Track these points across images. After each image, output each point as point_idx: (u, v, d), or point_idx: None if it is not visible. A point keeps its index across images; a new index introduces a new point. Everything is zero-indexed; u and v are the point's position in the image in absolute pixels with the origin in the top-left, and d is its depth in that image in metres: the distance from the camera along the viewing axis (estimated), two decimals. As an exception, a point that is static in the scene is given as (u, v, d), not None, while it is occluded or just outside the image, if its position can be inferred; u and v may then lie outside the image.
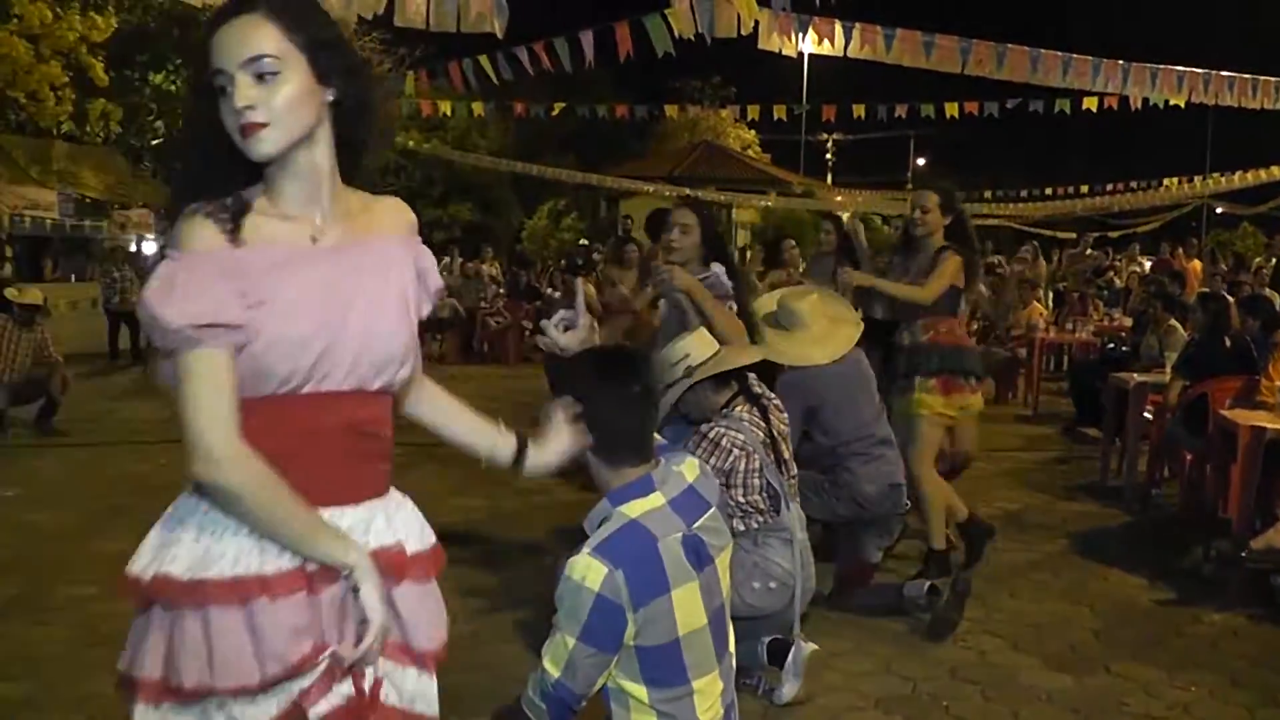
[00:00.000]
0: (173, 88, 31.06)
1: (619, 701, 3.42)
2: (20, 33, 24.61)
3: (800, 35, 13.83)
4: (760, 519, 5.87)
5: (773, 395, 6.24)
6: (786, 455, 6.12)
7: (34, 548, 8.31)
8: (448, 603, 2.90)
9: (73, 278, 26.70)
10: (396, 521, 2.77)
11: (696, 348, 5.79)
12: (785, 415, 6.22)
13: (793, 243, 13.86)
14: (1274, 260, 22.67)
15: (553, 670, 3.30)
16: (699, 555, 3.38)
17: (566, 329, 3.91)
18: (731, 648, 3.61)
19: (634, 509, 3.37)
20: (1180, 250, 26.03)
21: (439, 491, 9.96)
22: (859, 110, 23.08)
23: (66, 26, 25.36)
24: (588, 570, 3.24)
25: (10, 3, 24.43)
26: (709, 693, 3.42)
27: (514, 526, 9.16)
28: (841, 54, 14.10)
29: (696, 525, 3.42)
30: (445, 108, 24.53)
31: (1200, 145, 51.50)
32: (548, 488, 10.21)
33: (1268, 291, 15.53)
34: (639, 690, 3.36)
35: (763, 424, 5.99)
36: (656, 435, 3.75)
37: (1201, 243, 33.96)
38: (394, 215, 2.86)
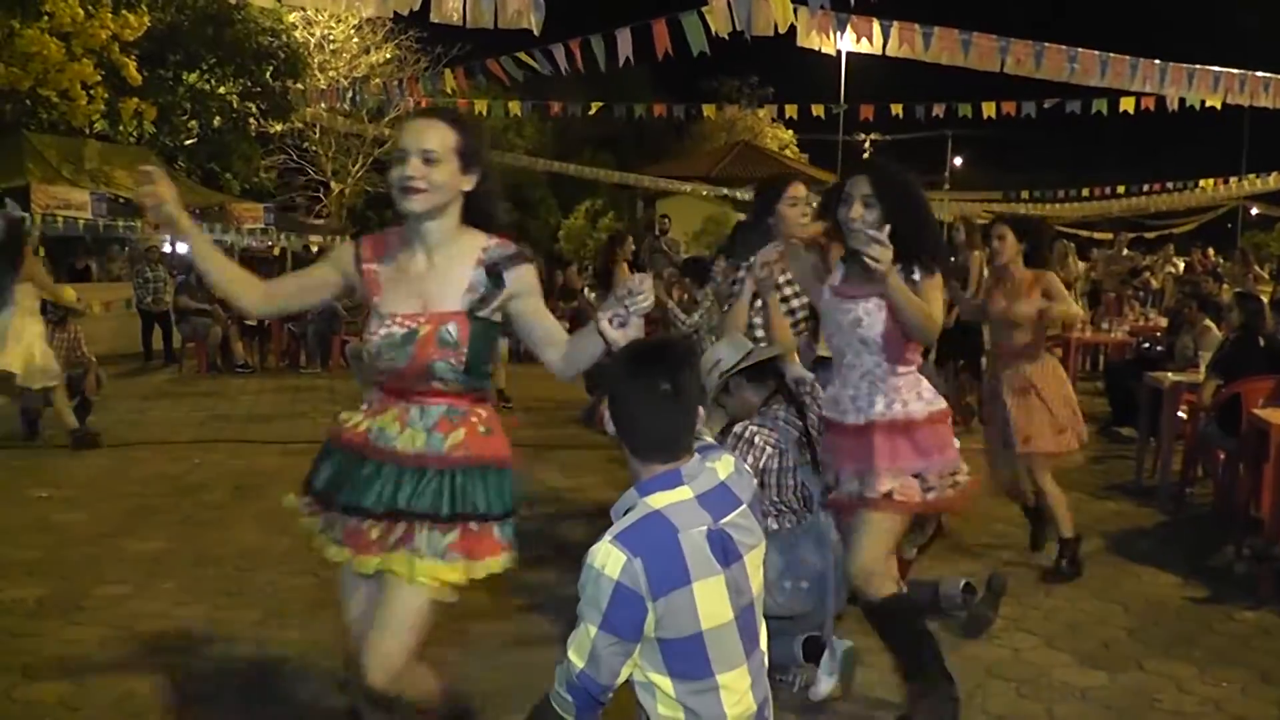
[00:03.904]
0: (206, 87, 31.11)
1: (647, 692, 3.42)
2: (51, 31, 24.56)
3: (839, 33, 13.86)
4: (793, 518, 5.88)
5: (820, 394, 6.23)
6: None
7: (67, 548, 8.31)
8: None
9: (103, 277, 26.75)
10: None
11: (728, 352, 5.81)
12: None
13: None
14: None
15: (577, 661, 3.32)
16: (725, 550, 3.37)
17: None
18: (763, 644, 3.59)
19: (659, 500, 3.37)
20: (1212, 250, 26.00)
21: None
22: (897, 109, 23.14)
23: (98, 25, 25.28)
24: (607, 558, 3.25)
25: (41, 0, 24.46)
26: (736, 687, 3.41)
27: (551, 526, 9.19)
28: (880, 52, 14.15)
29: (724, 521, 3.41)
30: (481, 107, 24.56)
31: (1236, 147, 51.29)
32: (583, 487, 10.25)
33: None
34: (665, 683, 3.36)
35: (799, 423, 6.00)
36: (706, 433, 3.76)
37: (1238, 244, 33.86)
38: None
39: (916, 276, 5.10)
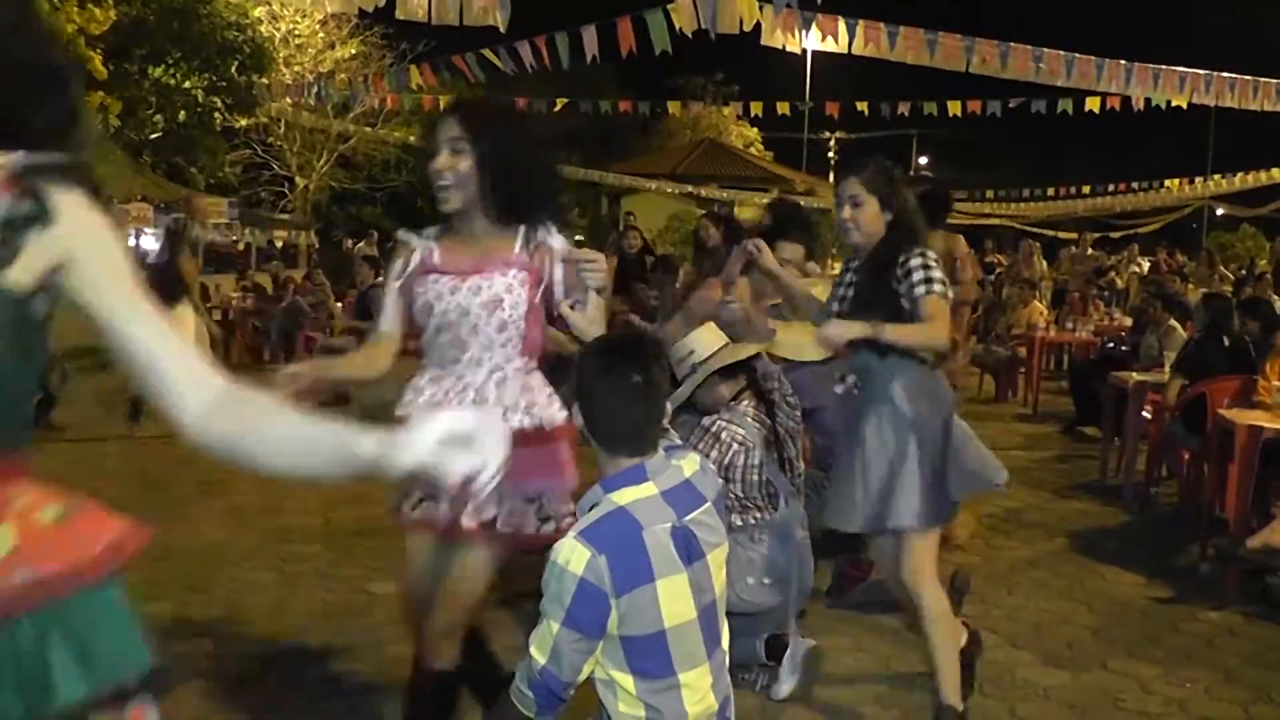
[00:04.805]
0: (172, 81, 30.97)
1: (608, 690, 3.40)
2: (17, 24, 24.53)
3: (804, 32, 13.88)
4: (758, 515, 5.87)
5: (789, 391, 6.23)
6: (791, 453, 6.12)
7: (33, 542, 8.23)
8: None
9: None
10: None
11: (702, 342, 5.80)
12: (796, 412, 6.22)
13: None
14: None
15: (539, 657, 3.30)
16: (689, 548, 3.37)
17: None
18: (725, 643, 3.58)
19: (623, 496, 3.36)
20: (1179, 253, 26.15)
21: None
22: (862, 107, 23.18)
23: (64, 18, 25.05)
24: (572, 554, 3.23)
25: (6, -6, 24.33)
26: (697, 686, 3.41)
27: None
28: (845, 51, 14.17)
29: (688, 518, 3.40)
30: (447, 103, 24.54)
31: (1202, 147, 51.61)
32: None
33: (1270, 295, 15.53)
34: (626, 680, 3.35)
35: (767, 420, 6.00)
36: (671, 429, 3.76)
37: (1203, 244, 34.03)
38: None
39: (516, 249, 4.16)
